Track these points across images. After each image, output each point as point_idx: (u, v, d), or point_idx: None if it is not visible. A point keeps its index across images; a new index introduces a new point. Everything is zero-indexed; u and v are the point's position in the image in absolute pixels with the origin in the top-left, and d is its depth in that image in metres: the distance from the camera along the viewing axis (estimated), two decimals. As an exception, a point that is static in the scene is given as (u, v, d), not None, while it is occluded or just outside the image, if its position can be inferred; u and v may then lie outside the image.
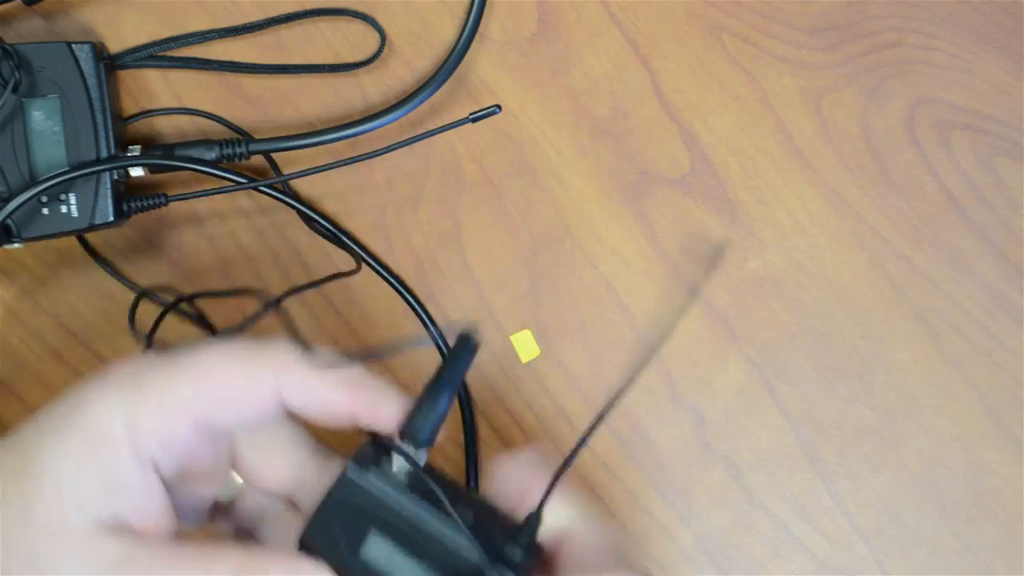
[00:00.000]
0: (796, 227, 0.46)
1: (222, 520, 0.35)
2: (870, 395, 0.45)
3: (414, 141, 0.43)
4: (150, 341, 0.41)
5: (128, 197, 0.42)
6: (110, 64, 0.43)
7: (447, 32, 0.45)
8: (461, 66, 0.45)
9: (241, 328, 0.39)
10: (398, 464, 0.30)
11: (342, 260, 0.45)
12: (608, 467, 0.45)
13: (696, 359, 0.45)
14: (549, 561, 0.31)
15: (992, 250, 0.46)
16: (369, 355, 0.33)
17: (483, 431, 0.45)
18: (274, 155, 0.45)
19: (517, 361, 0.45)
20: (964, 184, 0.46)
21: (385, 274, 0.45)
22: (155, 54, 0.44)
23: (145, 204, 0.43)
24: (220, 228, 0.45)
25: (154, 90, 0.45)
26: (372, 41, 0.45)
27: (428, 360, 0.45)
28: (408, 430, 0.30)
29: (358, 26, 0.45)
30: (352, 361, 0.32)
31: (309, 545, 0.30)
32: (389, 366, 0.44)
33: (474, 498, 0.31)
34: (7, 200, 0.40)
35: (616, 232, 0.45)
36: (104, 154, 0.41)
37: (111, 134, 0.41)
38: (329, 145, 0.43)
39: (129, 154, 0.42)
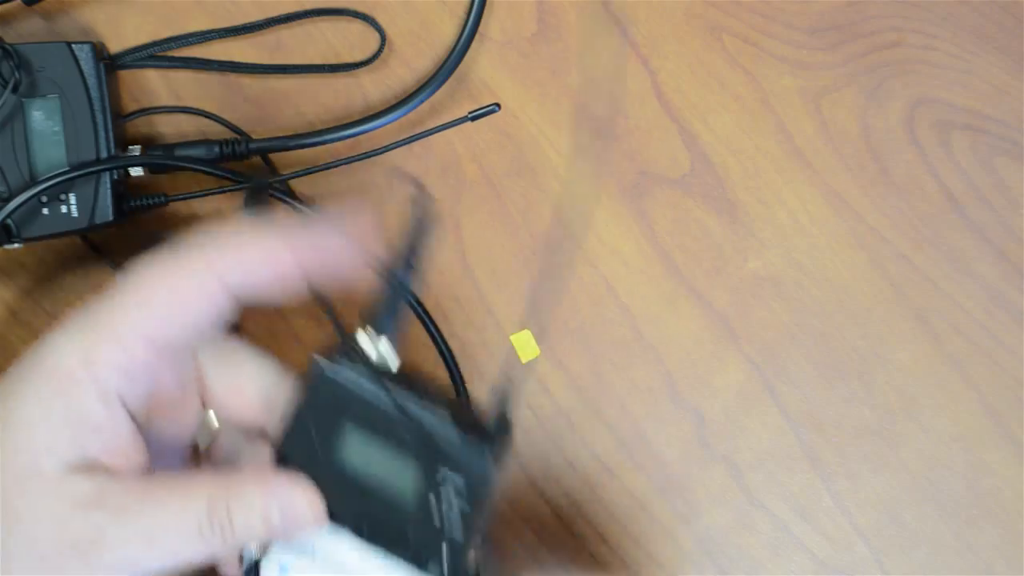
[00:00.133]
0: (796, 227, 0.46)
1: (204, 466, 0.35)
2: (870, 395, 0.45)
3: (414, 141, 0.43)
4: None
5: (128, 197, 0.42)
6: (110, 64, 0.43)
7: (447, 32, 0.45)
8: (461, 66, 0.45)
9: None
10: (364, 352, 0.29)
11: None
12: (608, 467, 0.45)
13: (696, 359, 0.45)
14: None
15: (992, 250, 0.46)
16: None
17: (483, 431, 0.45)
18: (275, 155, 0.45)
19: (517, 361, 0.45)
20: (964, 184, 0.46)
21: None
22: (155, 54, 0.44)
23: (145, 204, 0.43)
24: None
25: (154, 90, 0.45)
26: (372, 41, 0.45)
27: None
28: (370, 317, 0.29)
29: (358, 26, 0.46)
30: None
31: (285, 457, 0.30)
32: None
33: (440, 385, 0.31)
34: (7, 200, 0.40)
35: (616, 232, 0.45)
36: (104, 154, 0.41)
37: (111, 134, 0.41)
38: (329, 145, 0.43)
39: (129, 154, 0.42)
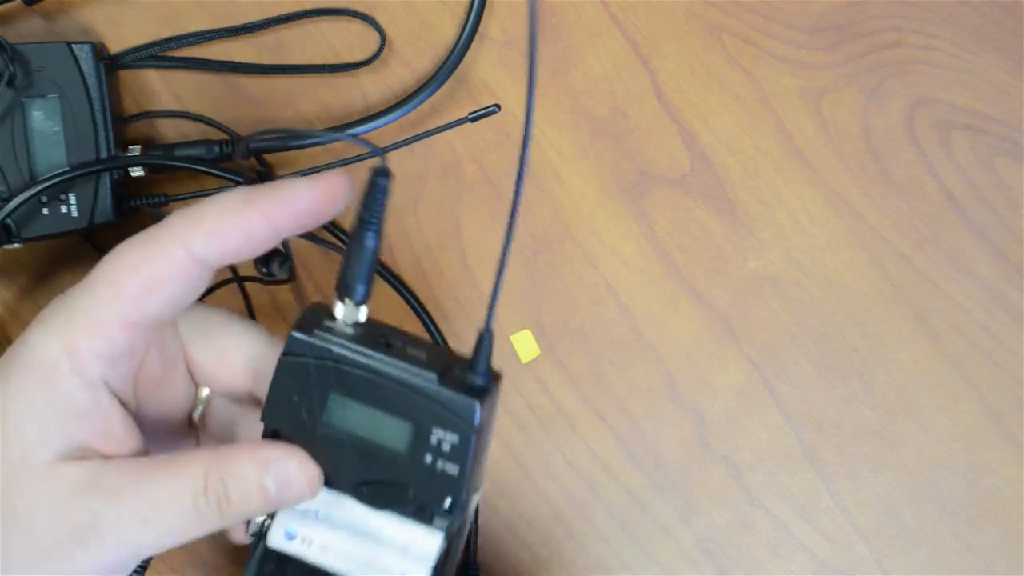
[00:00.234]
0: (796, 227, 0.46)
1: (203, 440, 0.35)
2: (870, 395, 0.45)
3: (414, 141, 0.43)
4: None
5: (128, 197, 0.42)
6: (110, 64, 0.43)
7: (447, 32, 0.45)
8: (461, 66, 0.45)
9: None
10: (341, 320, 0.30)
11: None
12: (608, 467, 0.45)
13: (696, 359, 0.45)
14: None
15: (992, 250, 0.46)
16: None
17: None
18: (275, 155, 0.45)
19: (517, 361, 0.45)
20: (964, 184, 0.46)
21: (385, 274, 0.45)
22: (155, 54, 0.44)
23: (145, 204, 0.43)
24: (220, 228, 0.45)
25: (154, 90, 0.45)
26: (372, 41, 0.45)
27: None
28: (341, 285, 0.29)
29: (358, 26, 0.46)
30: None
31: (274, 426, 0.30)
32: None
33: (422, 341, 0.31)
34: (7, 200, 0.40)
35: (616, 232, 0.45)
36: (104, 154, 0.41)
37: (111, 134, 0.41)
38: (329, 145, 0.43)
39: (129, 154, 0.42)
